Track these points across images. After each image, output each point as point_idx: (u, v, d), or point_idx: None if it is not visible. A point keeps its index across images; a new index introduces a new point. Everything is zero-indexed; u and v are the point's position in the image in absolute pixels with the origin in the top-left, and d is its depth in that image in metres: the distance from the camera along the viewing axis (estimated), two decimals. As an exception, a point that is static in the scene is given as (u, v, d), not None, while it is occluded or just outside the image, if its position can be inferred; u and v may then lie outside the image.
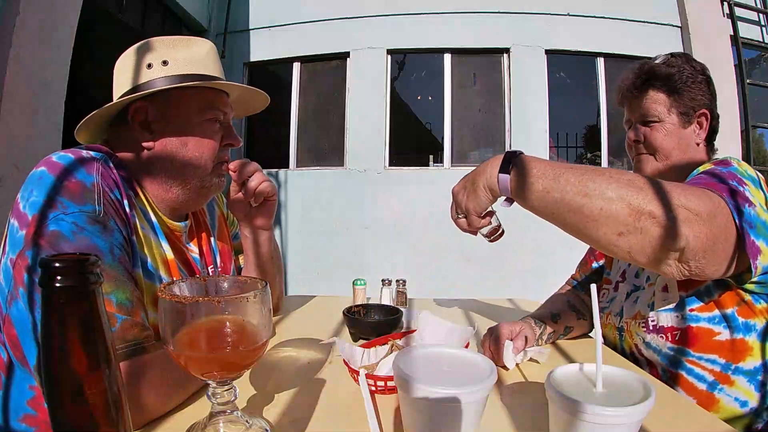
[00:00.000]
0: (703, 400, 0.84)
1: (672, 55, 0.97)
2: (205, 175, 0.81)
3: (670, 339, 0.86)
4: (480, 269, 3.99)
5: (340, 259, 4.21)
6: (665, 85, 0.93)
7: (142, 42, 0.79)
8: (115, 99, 0.79)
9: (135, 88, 0.77)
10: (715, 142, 0.99)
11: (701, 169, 0.85)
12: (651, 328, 0.88)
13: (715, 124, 0.96)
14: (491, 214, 0.78)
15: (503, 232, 0.81)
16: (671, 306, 0.86)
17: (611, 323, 1.01)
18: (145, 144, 0.77)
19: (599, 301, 1.06)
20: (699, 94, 0.93)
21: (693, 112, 0.94)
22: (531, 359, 0.86)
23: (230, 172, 0.87)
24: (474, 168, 0.75)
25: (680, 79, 0.93)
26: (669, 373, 0.87)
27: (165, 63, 0.77)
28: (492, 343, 0.85)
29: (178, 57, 0.78)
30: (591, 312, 1.10)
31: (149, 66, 0.77)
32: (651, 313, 0.89)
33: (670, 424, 0.63)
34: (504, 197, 0.72)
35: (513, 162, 0.69)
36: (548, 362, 0.85)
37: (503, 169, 0.69)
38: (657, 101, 0.94)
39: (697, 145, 0.95)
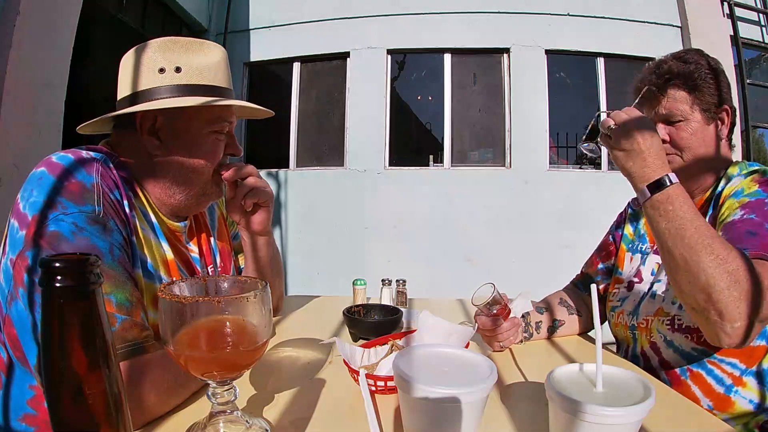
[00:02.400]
0: (720, 403, 0.84)
1: (686, 51, 0.96)
2: (206, 182, 0.82)
3: (695, 340, 0.86)
4: (480, 269, 3.99)
5: (340, 259, 4.21)
6: (685, 84, 0.92)
7: (153, 41, 0.77)
8: (119, 96, 0.78)
9: (145, 92, 0.75)
10: (732, 136, 0.97)
11: (745, 187, 0.85)
12: (676, 327, 0.88)
13: (733, 117, 0.95)
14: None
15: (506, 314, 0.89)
16: None
17: (623, 322, 1.01)
18: (152, 151, 0.77)
19: (610, 301, 1.07)
20: (718, 89, 0.92)
21: (715, 108, 0.92)
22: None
23: (224, 179, 0.85)
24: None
25: (699, 75, 0.91)
26: (689, 372, 0.87)
27: (178, 70, 0.76)
28: (490, 322, 0.87)
29: (192, 64, 0.77)
30: (590, 310, 1.10)
31: (161, 70, 0.75)
32: (677, 312, 0.88)
33: (670, 424, 0.63)
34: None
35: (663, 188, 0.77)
36: (548, 362, 0.85)
37: (653, 189, 0.78)
38: (679, 100, 0.92)
39: (721, 141, 0.94)
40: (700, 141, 0.92)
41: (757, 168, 0.90)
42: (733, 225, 0.80)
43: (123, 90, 0.78)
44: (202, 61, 0.78)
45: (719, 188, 0.92)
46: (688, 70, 0.92)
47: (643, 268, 1.02)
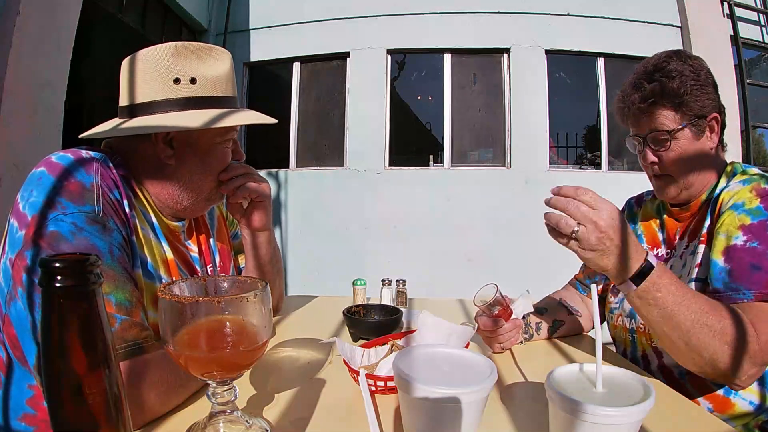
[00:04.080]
0: (719, 405, 0.84)
1: (667, 59, 0.91)
2: (212, 189, 0.84)
3: None
4: (480, 269, 3.99)
5: (340, 259, 4.21)
6: (671, 102, 0.88)
7: (163, 46, 0.75)
8: (128, 101, 0.76)
9: (161, 102, 0.74)
10: (724, 137, 0.94)
11: (746, 201, 0.82)
12: None
13: (723, 119, 0.91)
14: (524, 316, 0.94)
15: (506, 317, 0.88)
16: None
17: (622, 325, 1.00)
18: (164, 159, 0.77)
19: (609, 302, 1.06)
20: (706, 98, 0.88)
21: (704, 119, 0.89)
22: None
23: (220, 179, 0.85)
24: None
25: (685, 90, 0.87)
26: (688, 376, 0.87)
27: (193, 81, 0.75)
28: (490, 322, 0.87)
29: (206, 75, 0.76)
30: (589, 310, 1.10)
31: (176, 81, 0.74)
32: None
33: (670, 424, 0.63)
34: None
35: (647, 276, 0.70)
36: (548, 362, 0.85)
37: (637, 279, 0.70)
38: (666, 118, 0.89)
39: (712, 150, 0.91)
40: (691, 157, 0.89)
41: (757, 173, 0.88)
42: (735, 252, 0.78)
43: (135, 96, 0.75)
44: (215, 71, 0.78)
45: (717, 190, 0.90)
46: (673, 87, 0.87)
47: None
